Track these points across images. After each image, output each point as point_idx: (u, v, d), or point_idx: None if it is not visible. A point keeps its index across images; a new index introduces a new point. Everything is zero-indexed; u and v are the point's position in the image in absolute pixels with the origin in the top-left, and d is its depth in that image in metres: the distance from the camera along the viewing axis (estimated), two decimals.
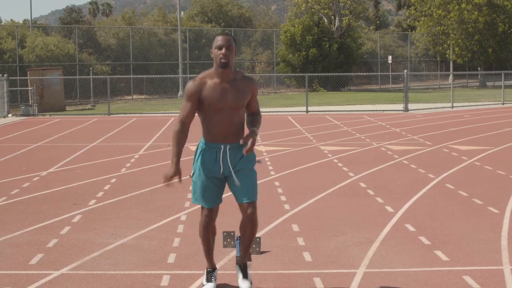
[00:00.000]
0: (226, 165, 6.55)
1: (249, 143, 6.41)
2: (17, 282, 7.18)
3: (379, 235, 9.09)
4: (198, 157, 6.65)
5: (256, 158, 6.73)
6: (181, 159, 6.53)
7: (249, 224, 6.54)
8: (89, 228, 9.62)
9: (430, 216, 10.29)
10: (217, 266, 7.21)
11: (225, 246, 8.29)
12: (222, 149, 6.53)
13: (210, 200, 6.66)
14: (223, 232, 8.19)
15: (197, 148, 6.70)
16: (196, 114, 6.59)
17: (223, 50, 6.40)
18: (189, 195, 11.81)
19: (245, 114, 6.73)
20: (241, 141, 6.45)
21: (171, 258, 8.06)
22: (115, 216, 10.41)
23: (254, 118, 6.71)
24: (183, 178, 6.59)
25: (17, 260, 8.06)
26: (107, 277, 7.37)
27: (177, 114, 30.46)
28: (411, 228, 9.47)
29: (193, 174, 6.71)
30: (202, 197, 6.67)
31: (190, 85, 6.47)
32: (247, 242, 6.71)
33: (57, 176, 14.28)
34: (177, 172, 6.53)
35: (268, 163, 15.51)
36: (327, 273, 7.49)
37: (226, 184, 6.70)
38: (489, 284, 7.08)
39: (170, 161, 6.57)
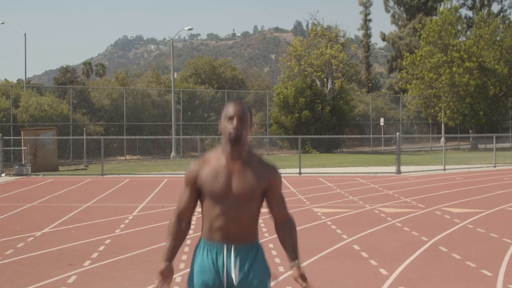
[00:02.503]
0: (229, 274, 5.05)
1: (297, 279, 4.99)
2: None
3: None
4: (195, 260, 5.20)
5: (271, 273, 5.28)
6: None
7: None
8: None
9: (424, 279, 10.34)
10: None
11: None
12: (224, 250, 5.06)
13: None
14: None
15: (195, 248, 5.28)
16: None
17: (235, 122, 5.05)
18: (184, 257, 11.86)
19: (273, 220, 5.32)
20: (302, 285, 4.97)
21: None
22: (110, 277, 10.43)
23: (289, 232, 5.23)
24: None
25: None
26: None
27: (170, 176, 30.48)
28: None
29: (189, 280, 5.24)
30: None
31: (190, 166, 5.19)
32: None
33: (52, 236, 14.30)
34: (168, 269, 5.09)
35: (262, 224, 15.56)
36: None
37: None
38: None
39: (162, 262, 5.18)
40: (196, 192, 5.15)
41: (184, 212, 5.20)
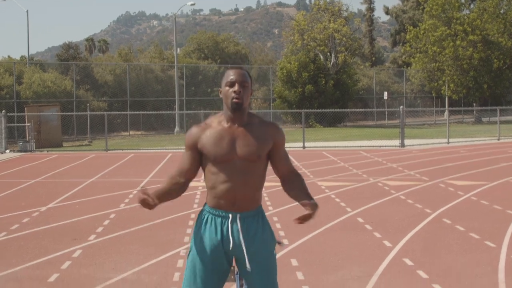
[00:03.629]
0: (236, 242, 4.98)
1: (312, 214, 4.94)
2: None
3: (377, 270, 9.16)
4: (197, 229, 5.11)
5: (277, 239, 5.24)
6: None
7: None
8: (90, 263, 9.69)
9: (428, 250, 10.37)
10: None
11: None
12: (230, 218, 4.99)
13: None
14: None
15: (197, 217, 5.19)
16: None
17: (236, 87, 4.96)
18: (188, 230, 11.91)
19: (280, 179, 5.27)
20: (306, 212, 4.93)
21: None
22: (115, 251, 10.47)
23: (298, 183, 5.16)
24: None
25: None
26: None
27: (174, 151, 30.51)
28: (409, 262, 9.55)
29: (189, 252, 5.13)
30: (195, 284, 5.01)
31: (191, 130, 5.08)
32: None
33: (57, 211, 14.35)
34: (144, 191, 5.06)
35: (266, 198, 15.59)
36: None
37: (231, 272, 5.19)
38: None
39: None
40: (197, 156, 5.05)
41: (182, 174, 5.11)
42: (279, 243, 5.27)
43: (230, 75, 4.99)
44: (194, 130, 5.05)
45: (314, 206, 4.91)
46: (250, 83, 5.04)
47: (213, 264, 4.98)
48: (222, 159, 4.92)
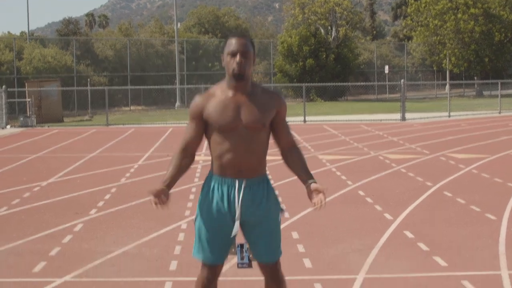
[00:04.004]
0: (242, 209, 5.09)
1: (322, 202, 5.09)
2: None
3: (378, 242, 9.18)
4: (204, 196, 5.21)
5: (281, 205, 5.40)
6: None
7: (273, 284, 5.28)
8: (91, 237, 9.71)
9: (429, 223, 10.38)
10: None
11: None
12: (236, 186, 5.07)
13: (215, 254, 5.18)
14: None
15: (203, 185, 5.28)
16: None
17: (238, 57, 4.94)
18: (189, 204, 11.92)
19: (280, 150, 5.36)
20: (313, 201, 5.11)
21: (173, 266, 8.14)
22: (116, 225, 10.49)
23: (298, 159, 5.26)
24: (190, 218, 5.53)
25: (20, 268, 8.14)
26: (110, 285, 7.46)
27: (175, 125, 30.49)
28: (409, 235, 9.56)
29: (196, 219, 5.31)
30: (203, 249, 5.18)
31: (195, 99, 5.10)
32: None
33: (58, 186, 14.36)
34: (164, 193, 5.10)
35: (267, 172, 15.56)
36: (327, 279, 7.59)
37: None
38: None
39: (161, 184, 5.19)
40: (202, 125, 5.08)
41: (189, 145, 5.16)
42: (282, 210, 5.40)
43: (232, 44, 4.97)
44: (198, 99, 5.08)
45: (314, 186, 5.11)
46: (252, 52, 5.04)
47: (219, 228, 5.12)
48: (228, 128, 4.97)
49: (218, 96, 5.04)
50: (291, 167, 5.29)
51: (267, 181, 5.22)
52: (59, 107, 37.59)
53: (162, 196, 5.05)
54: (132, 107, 50.07)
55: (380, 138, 23.61)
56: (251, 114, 5.00)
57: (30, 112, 34.38)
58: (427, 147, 20.40)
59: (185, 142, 5.15)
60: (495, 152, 18.98)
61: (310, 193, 5.14)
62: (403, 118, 32.65)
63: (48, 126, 32.61)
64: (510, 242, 9.14)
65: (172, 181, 5.15)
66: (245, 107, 4.99)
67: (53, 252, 8.85)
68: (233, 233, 5.08)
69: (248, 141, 5.01)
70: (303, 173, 5.20)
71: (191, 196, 12.70)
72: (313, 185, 5.11)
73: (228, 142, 4.99)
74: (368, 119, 32.98)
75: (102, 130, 30.22)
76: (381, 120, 32.64)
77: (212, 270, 5.20)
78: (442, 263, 8.15)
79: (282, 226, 9.88)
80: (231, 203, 5.06)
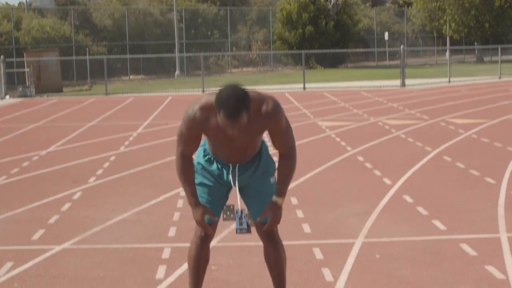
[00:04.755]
0: (238, 182, 5.28)
1: (269, 220, 5.18)
2: (20, 257, 7.26)
3: (377, 207, 9.17)
4: (201, 155, 5.38)
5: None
6: None
7: (270, 246, 5.35)
8: (90, 205, 9.71)
9: (428, 187, 10.38)
10: (217, 237, 7.31)
11: (225, 219, 8.35)
12: (230, 168, 5.28)
13: (212, 205, 5.31)
14: None
15: (199, 148, 5.40)
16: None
17: (232, 131, 4.88)
18: None
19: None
20: (259, 218, 5.23)
21: (172, 232, 8.15)
22: (115, 193, 10.49)
23: (282, 169, 5.21)
24: None
25: (19, 236, 8.15)
26: (109, 251, 7.46)
27: (174, 94, 30.36)
28: (408, 199, 9.56)
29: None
30: (201, 200, 5.27)
31: (194, 112, 5.02)
32: (275, 276, 5.40)
33: (57, 155, 14.34)
34: (205, 210, 5.18)
35: (266, 139, 15.55)
36: (326, 243, 7.59)
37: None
38: (486, 251, 7.17)
39: (190, 205, 5.24)
40: (200, 135, 5.14)
41: (189, 154, 5.21)
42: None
43: (225, 120, 4.80)
44: (199, 114, 5.01)
45: (270, 208, 5.16)
46: (247, 117, 4.84)
47: (218, 179, 5.30)
48: (223, 144, 5.15)
49: (212, 122, 4.99)
50: (278, 173, 5.32)
51: (260, 149, 5.33)
52: (58, 77, 37.45)
53: (206, 215, 5.19)
54: (131, 77, 49.90)
55: (379, 104, 23.55)
56: (246, 137, 5.05)
57: (29, 82, 34.25)
58: (427, 113, 20.35)
59: (185, 152, 5.18)
60: (494, 117, 18.94)
61: (268, 207, 5.19)
62: (403, 84, 32.55)
63: (47, 96, 32.52)
64: (509, 205, 9.14)
65: (197, 196, 5.22)
66: (240, 134, 4.93)
67: (51, 220, 8.85)
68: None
69: (242, 148, 5.18)
70: (278, 187, 5.23)
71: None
72: (271, 204, 5.17)
73: (223, 149, 5.20)
74: (368, 86, 32.87)
75: (101, 99, 30.14)
76: (381, 86, 32.53)
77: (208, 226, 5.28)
78: (441, 226, 8.15)
79: None
80: (226, 174, 5.28)
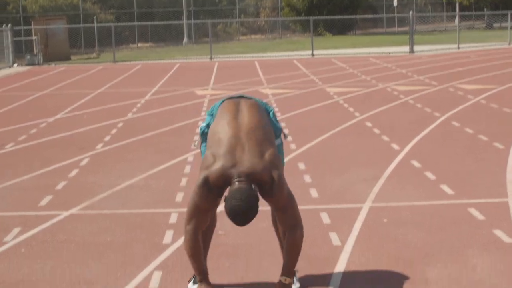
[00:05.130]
0: None
1: None
2: (27, 223, 7.26)
3: (385, 172, 9.14)
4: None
5: (283, 130, 5.51)
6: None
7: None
8: (97, 171, 9.70)
9: (436, 152, 10.34)
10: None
11: None
12: None
13: None
14: None
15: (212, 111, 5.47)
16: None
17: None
18: (196, 137, 11.87)
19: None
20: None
21: (179, 197, 8.14)
22: (123, 159, 10.48)
23: (286, 249, 5.08)
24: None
25: (26, 202, 8.15)
26: (116, 216, 7.46)
27: (182, 61, 30.29)
28: (416, 165, 9.52)
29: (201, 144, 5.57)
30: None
31: (206, 194, 4.94)
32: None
33: (64, 122, 14.33)
34: None
35: (274, 105, 15.51)
36: (333, 208, 7.58)
37: None
38: (494, 215, 7.14)
39: (198, 282, 5.13)
40: (213, 206, 5.13)
41: (200, 229, 5.08)
42: (284, 134, 5.47)
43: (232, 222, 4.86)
44: (210, 195, 4.96)
45: (279, 285, 5.08)
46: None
47: None
48: None
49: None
50: (282, 250, 5.33)
51: None
52: (66, 45, 37.36)
53: None
54: (139, 44, 49.78)
55: (388, 71, 23.44)
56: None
57: (37, 51, 34.20)
58: (436, 79, 20.25)
59: (198, 225, 5.06)
60: (504, 82, 18.82)
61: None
62: (412, 51, 32.38)
63: (55, 64, 32.47)
64: None
65: (206, 270, 5.14)
66: None
67: (59, 186, 8.84)
68: None
69: None
70: (283, 266, 5.10)
71: (198, 130, 12.66)
72: (279, 284, 5.09)
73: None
74: (376, 52, 32.72)
75: (109, 66, 30.08)
76: (389, 53, 32.36)
77: None
78: (449, 191, 8.12)
79: (289, 157, 9.88)
80: None
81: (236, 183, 4.81)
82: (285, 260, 5.10)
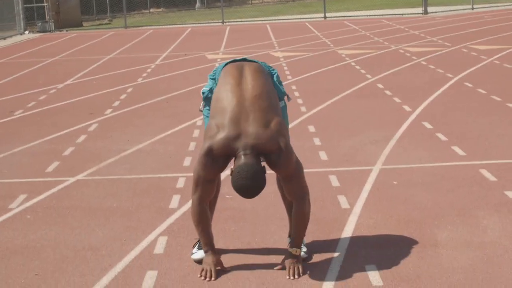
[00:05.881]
0: None
1: (290, 272, 4.91)
2: (34, 189, 7.20)
3: (396, 133, 9.02)
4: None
5: (287, 93, 5.36)
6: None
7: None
8: (105, 136, 9.62)
9: (448, 113, 10.20)
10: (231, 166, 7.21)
11: None
12: None
13: None
14: None
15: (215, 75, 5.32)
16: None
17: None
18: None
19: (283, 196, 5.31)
20: (277, 267, 5.02)
21: (187, 162, 8.05)
22: (131, 124, 10.39)
23: (294, 220, 5.01)
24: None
25: (33, 168, 8.09)
26: (123, 181, 7.39)
27: (194, 26, 30.09)
28: (428, 126, 9.39)
29: (204, 103, 5.39)
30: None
31: (211, 164, 4.84)
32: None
33: (74, 88, 14.24)
34: (218, 262, 5.01)
35: (285, 68, 15.37)
36: (343, 170, 7.48)
37: None
38: (506, 176, 7.03)
39: (204, 253, 5.06)
40: (217, 177, 5.05)
41: (207, 200, 5.00)
42: (288, 97, 5.39)
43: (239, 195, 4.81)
44: (213, 162, 4.85)
45: (288, 255, 5.00)
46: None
47: None
48: None
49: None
50: (290, 221, 5.26)
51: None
52: (77, 12, 37.19)
53: (216, 263, 5.01)
54: (151, 10, 49.56)
55: (401, 32, 23.19)
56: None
57: (48, 17, 34.08)
58: (449, 40, 20.01)
59: (204, 197, 4.96)
60: None
61: (284, 259, 5.04)
62: (425, 12, 32.03)
63: (67, 31, 32.33)
64: None
65: (213, 245, 5.08)
66: None
67: (66, 152, 8.77)
68: None
69: None
70: (292, 238, 5.06)
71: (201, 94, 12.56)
72: (288, 254, 5.02)
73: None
74: (389, 14, 32.39)
75: (120, 32, 29.91)
76: (402, 14, 32.01)
77: None
78: (461, 152, 7.99)
79: (298, 120, 9.80)
80: None
81: (242, 156, 4.72)
82: (294, 232, 5.02)
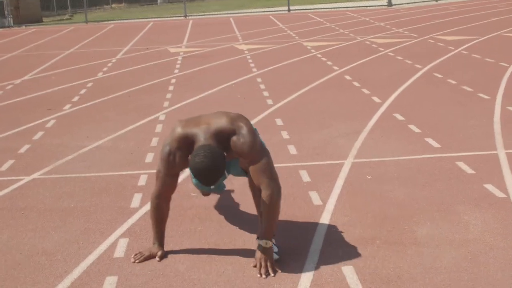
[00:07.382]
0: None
1: (261, 265, 4.63)
2: None
3: (367, 126, 8.70)
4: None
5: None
6: None
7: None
8: (63, 132, 9.18)
9: (419, 104, 9.89)
10: None
11: None
12: None
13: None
14: None
15: None
16: None
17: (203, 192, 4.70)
18: (168, 95, 11.41)
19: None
20: (253, 264, 4.70)
21: (149, 158, 7.65)
22: (91, 120, 9.95)
23: (262, 210, 4.67)
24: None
25: None
26: (80, 180, 6.96)
27: (156, 20, 29.63)
28: (399, 117, 9.08)
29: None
30: None
31: (171, 158, 4.69)
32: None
33: (31, 83, 13.75)
34: (158, 256, 4.90)
35: (250, 60, 15.01)
36: (313, 165, 7.12)
37: None
38: (483, 168, 6.72)
39: (152, 245, 4.99)
40: (178, 173, 4.86)
41: (167, 195, 4.89)
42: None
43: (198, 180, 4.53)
44: (175, 159, 4.71)
45: (258, 250, 4.72)
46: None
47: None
48: None
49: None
50: (258, 210, 5.04)
51: None
52: (37, 7, 36.53)
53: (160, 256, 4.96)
54: (113, 5, 48.94)
55: (366, 24, 22.92)
56: None
57: (7, 12, 33.40)
58: (415, 31, 19.77)
59: (163, 193, 4.87)
60: (485, 33, 18.40)
61: (256, 256, 4.74)
62: (390, 4, 31.85)
63: (26, 26, 31.70)
64: (505, 120, 8.69)
65: (163, 238, 5.03)
66: None
67: (22, 150, 8.33)
68: None
69: None
70: (260, 228, 4.76)
71: (170, 87, 12.17)
72: (258, 254, 4.70)
73: None
74: (354, 6, 32.19)
75: (81, 27, 29.32)
76: (367, 6, 31.80)
77: None
78: (435, 144, 7.68)
79: (265, 113, 9.43)
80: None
81: (202, 141, 4.57)
82: (263, 222, 4.66)
